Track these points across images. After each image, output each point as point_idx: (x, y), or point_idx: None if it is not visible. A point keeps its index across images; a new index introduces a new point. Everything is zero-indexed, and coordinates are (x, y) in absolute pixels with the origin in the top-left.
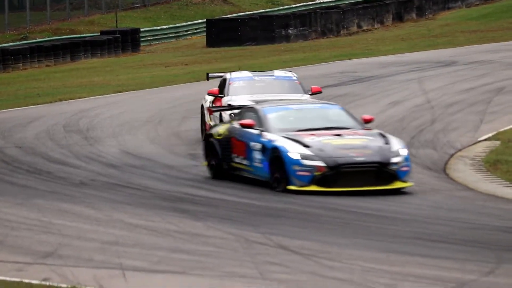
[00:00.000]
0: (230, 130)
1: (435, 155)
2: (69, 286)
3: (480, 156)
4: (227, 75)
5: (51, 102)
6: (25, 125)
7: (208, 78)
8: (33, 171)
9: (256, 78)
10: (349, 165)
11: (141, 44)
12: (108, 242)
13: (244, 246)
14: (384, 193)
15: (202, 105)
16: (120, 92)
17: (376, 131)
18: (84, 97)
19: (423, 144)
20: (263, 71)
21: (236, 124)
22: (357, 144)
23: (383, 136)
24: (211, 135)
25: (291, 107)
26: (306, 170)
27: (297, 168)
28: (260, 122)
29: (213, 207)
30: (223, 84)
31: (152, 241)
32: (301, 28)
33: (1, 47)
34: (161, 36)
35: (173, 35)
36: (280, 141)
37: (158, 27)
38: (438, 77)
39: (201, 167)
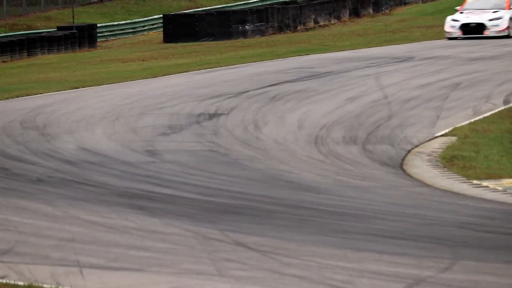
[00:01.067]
0: None
1: (392, 151)
2: (26, 284)
3: (437, 152)
4: None
5: (7, 98)
6: None
7: None
8: None
9: None
10: None
11: (98, 40)
12: (65, 239)
13: (202, 243)
14: (339, 189)
15: None
16: (77, 88)
17: None
18: (41, 93)
19: (380, 140)
20: None
21: None
22: None
23: None
24: None
25: None
26: None
27: None
28: None
29: (171, 204)
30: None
31: (109, 238)
32: (258, 24)
33: None
34: (118, 32)
35: (130, 30)
36: None
37: (115, 23)
38: (395, 73)
39: (159, 164)
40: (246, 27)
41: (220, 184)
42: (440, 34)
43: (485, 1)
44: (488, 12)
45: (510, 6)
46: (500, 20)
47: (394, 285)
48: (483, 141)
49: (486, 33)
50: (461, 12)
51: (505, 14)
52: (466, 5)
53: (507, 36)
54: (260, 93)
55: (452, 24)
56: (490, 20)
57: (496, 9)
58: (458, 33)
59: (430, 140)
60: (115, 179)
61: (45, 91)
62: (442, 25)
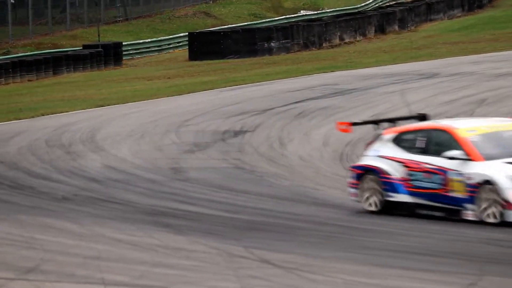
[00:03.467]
0: None
1: None
2: None
3: None
4: None
5: (33, 117)
6: (7, 140)
7: None
8: (15, 186)
9: None
10: None
11: (124, 58)
12: (90, 257)
13: (227, 260)
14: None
15: None
16: (102, 106)
17: None
18: (67, 112)
19: None
20: None
21: None
22: None
23: None
24: None
25: None
26: None
27: None
28: None
29: (196, 221)
30: None
31: (135, 255)
32: (283, 41)
33: None
34: (144, 50)
35: (156, 48)
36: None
37: (141, 41)
38: (421, 89)
39: (183, 181)
40: (272, 44)
41: (245, 201)
42: (465, 50)
43: None
44: None
45: None
46: None
47: None
48: None
49: None
50: None
51: None
52: None
53: None
54: (285, 110)
55: None
56: None
57: None
58: None
59: None
60: (141, 197)
61: (70, 109)
62: (468, 41)
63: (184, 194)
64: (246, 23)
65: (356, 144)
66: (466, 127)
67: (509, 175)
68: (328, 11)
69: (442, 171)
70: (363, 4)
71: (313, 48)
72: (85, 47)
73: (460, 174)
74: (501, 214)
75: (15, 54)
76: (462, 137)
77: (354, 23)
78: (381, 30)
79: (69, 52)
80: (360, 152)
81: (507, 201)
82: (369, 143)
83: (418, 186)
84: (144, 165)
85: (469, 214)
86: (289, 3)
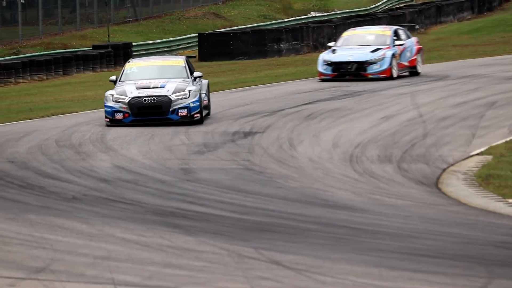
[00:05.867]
0: None
1: (427, 169)
2: None
3: (472, 170)
4: None
5: (43, 116)
6: (17, 139)
7: None
8: (25, 186)
9: None
10: None
11: None
12: (100, 257)
13: (236, 261)
14: (374, 207)
15: None
16: None
17: None
18: (77, 112)
19: (415, 158)
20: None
21: None
22: None
23: None
24: None
25: None
26: None
27: None
28: None
29: (205, 222)
30: None
31: (144, 256)
32: (293, 42)
33: None
34: (153, 50)
35: (165, 49)
36: None
37: (150, 41)
38: (430, 91)
39: (193, 182)
40: (281, 45)
41: (255, 202)
42: (475, 53)
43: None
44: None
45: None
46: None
47: None
48: None
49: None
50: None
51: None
52: (340, 41)
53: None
54: (295, 112)
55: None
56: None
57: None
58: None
59: (465, 159)
60: (150, 197)
61: (80, 109)
62: (478, 44)
63: (193, 195)
64: (255, 24)
65: (366, 146)
66: None
67: None
68: (338, 12)
69: None
70: (373, 6)
71: (323, 50)
72: (95, 47)
73: None
74: None
75: (25, 54)
76: None
77: (364, 25)
78: None
79: (79, 52)
80: (370, 154)
81: None
82: None
83: None
84: (153, 166)
85: None
86: (299, 4)
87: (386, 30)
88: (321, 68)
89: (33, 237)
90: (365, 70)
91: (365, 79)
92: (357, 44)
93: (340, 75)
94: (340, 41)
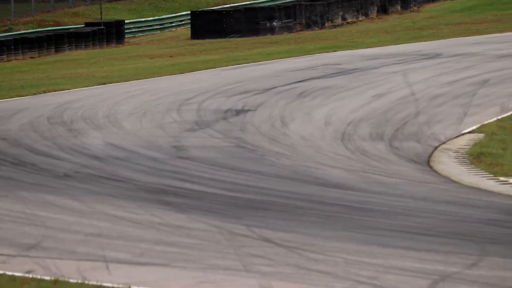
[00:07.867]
0: None
1: (419, 147)
2: (53, 278)
3: (464, 148)
4: None
5: (35, 94)
6: (9, 117)
7: None
8: (17, 163)
9: None
10: None
11: (126, 36)
12: (91, 234)
13: (228, 238)
14: (365, 185)
15: None
16: (104, 84)
17: None
18: (69, 89)
19: (407, 136)
20: None
21: None
22: None
23: None
24: None
25: None
26: None
27: None
28: None
29: (197, 200)
30: None
31: (136, 233)
32: (285, 20)
33: None
34: (146, 28)
35: (158, 27)
36: None
37: (143, 19)
38: (423, 70)
39: (185, 160)
40: (274, 23)
41: (247, 180)
42: (468, 31)
43: None
44: None
45: None
46: None
47: (420, 281)
48: (511, 138)
49: None
50: None
51: None
52: None
53: None
54: (287, 90)
55: None
56: None
57: None
58: None
59: (457, 137)
60: (142, 175)
61: (72, 87)
62: (471, 22)
63: (185, 173)
64: (248, 2)
65: (358, 124)
66: None
67: None
68: None
69: None
70: None
71: (316, 28)
72: (87, 24)
73: None
74: None
75: (17, 31)
76: None
77: (357, 3)
78: (383, 10)
79: (71, 30)
80: (362, 132)
81: None
82: None
83: None
84: (145, 143)
85: None
86: None
87: None
88: None
89: (25, 214)
90: None
91: None
92: None
93: None
94: None
